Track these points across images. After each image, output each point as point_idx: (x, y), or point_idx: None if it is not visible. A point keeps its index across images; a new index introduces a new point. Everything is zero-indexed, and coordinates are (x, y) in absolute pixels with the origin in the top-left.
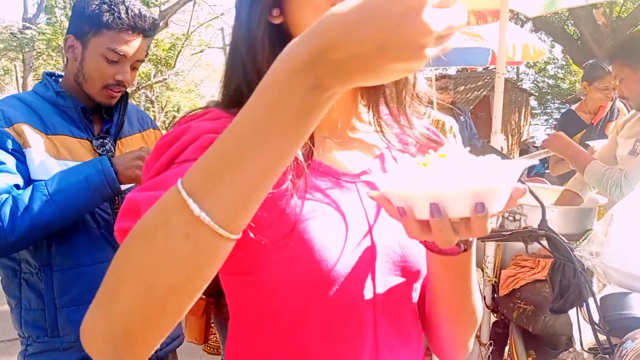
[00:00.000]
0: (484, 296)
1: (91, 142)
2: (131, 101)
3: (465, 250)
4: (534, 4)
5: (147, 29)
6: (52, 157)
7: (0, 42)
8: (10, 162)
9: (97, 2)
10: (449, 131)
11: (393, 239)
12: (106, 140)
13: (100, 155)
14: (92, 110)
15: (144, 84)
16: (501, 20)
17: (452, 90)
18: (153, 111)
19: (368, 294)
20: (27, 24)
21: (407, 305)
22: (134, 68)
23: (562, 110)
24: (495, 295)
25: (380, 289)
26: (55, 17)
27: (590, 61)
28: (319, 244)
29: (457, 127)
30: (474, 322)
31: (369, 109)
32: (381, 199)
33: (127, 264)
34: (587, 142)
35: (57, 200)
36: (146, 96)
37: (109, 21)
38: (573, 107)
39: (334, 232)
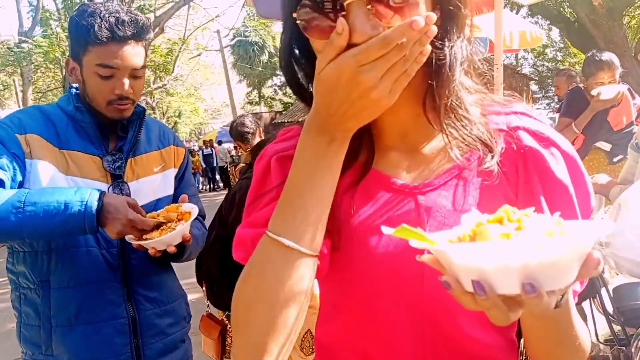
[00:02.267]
0: None
1: (102, 159)
2: None
3: (556, 306)
4: None
5: (132, 34)
6: (60, 172)
7: None
8: (5, 161)
9: (78, 20)
10: None
11: None
12: (117, 158)
13: (110, 173)
14: (110, 126)
15: (143, 91)
16: (496, 12)
17: None
18: (154, 117)
19: (416, 303)
20: (23, 38)
21: (464, 316)
22: (135, 77)
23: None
24: None
25: (429, 299)
26: (51, 29)
27: (588, 54)
28: (364, 255)
29: None
30: (578, 358)
31: (427, 119)
32: (434, 263)
33: (249, 295)
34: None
35: (28, 212)
36: (147, 103)
37: (90, 37)
38: (581, 85)
39: (381, 243)
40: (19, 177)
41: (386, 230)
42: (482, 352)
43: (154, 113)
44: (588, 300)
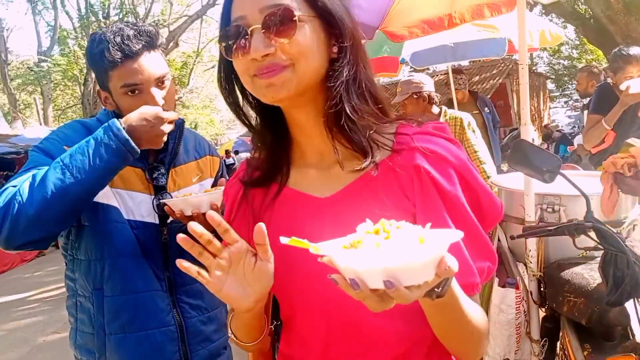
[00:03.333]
0: (531, 292)
1: (144, 171)
2: None
3: (438, 297)
4: None
5: (143, 46)
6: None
7: (19, 77)
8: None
9: (91, 51)
10: (467, 127)
11: None
12: (159, 169)
13: (153, 185)
14: None
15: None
16: (519, 11)
17: (466, 84)
18: None
19: (323, 303)
20: (42, 57)
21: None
22: (162, 84)
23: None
24: (542, 289)
25: (336, 293)
26: (69, 47)
27: (614, 50)
28: (280, 262)
29: (474, 122)
30: (475, 339)
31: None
32: (331, 263)
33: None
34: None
35: (69, 164)
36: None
37: (105, 64)
38: (609, 81)
39: (294, 250)
40: None
41: (283, 240)
42: (385, 338)
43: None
44: (632, 299)
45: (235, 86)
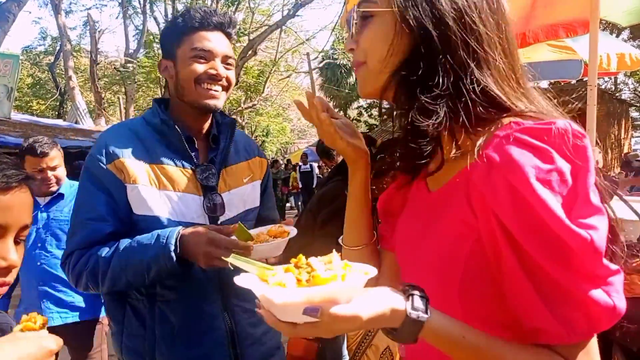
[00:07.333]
0: None
1: (194, 171)
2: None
3: (395, 339)
4: (627, 13)
5: (221, 24)
6: (154, 188)
7: (106, 76)
8: (105, 206)
9: (171, 22)
10: None
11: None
12: (210, 169)
13: (202, 185)
14: (199, 138)
15: (234, 110)
16: (591, 30)
17: None
18: None
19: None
20: (129, 59)
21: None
22: (228, 65)
23: None
24: None
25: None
26: (154, 50)
27: None
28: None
29: None
30: None
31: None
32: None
33: None
34: None
35: (128, 273)
36: (237, 121)
37: (185, 27)
38: None
39: (408, 233)
40: (125, 210)
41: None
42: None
43: (243, 131)
44: None
45: None
